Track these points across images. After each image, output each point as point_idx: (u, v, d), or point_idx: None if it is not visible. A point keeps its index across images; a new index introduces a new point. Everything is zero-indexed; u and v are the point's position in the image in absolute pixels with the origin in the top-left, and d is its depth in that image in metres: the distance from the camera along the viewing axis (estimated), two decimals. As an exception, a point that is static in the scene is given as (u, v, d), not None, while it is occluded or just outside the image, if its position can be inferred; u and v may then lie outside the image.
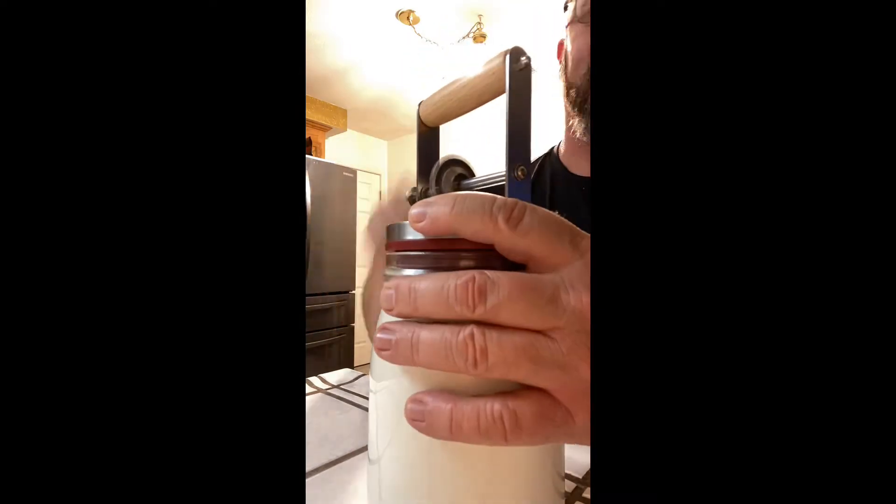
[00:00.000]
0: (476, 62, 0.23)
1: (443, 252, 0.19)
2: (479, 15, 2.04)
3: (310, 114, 2.84)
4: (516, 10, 2.01)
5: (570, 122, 0.58)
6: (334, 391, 0.48)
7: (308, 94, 2.85)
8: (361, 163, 3.54)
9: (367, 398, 0.45)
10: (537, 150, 0.64)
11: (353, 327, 2.55)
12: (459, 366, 0.16)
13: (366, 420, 0.40)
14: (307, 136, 2.82)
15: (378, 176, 3.75)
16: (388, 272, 0.21)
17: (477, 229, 0.17)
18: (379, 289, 0.19)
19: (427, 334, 0.17)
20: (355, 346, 2.62)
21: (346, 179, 2.52)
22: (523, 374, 0.16)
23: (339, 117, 3.08)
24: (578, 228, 0.18)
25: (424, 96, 0.28)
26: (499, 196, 0.18)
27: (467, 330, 0.16)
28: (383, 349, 0.18)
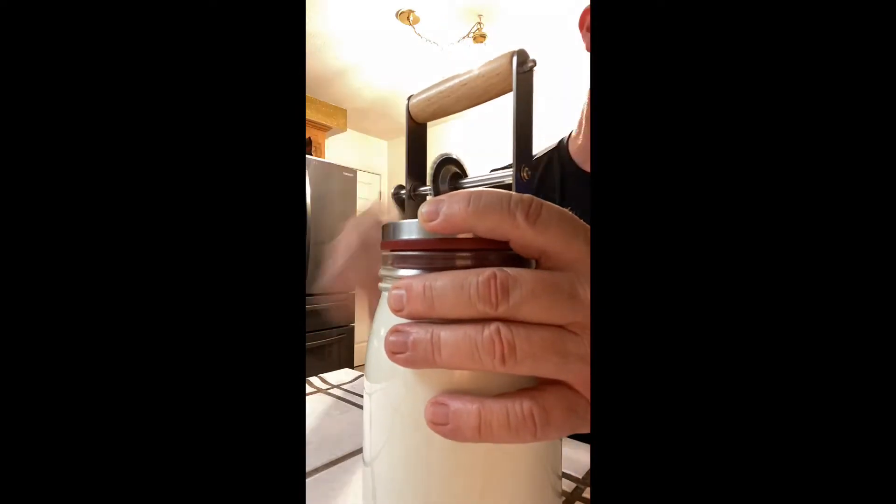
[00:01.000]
0: (476, 62, 0.23)
1: (440, 252, 0.18)
2: (479, 15, 2.04)
3: (310, 114, 2.84)
4: (516, 10, 2.01)
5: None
6: (334, 391, 0.48)
7: (308, 94, 2.85)
8: (361, 163, 3.54)
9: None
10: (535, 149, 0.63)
11: (352, 327, 2.55)
12: (486, 363, 0.16)
13: (366, 420, 0.39)
14: (307, 136, 2.81)
15: (378, 176, 3.75)
16: (384, 272, 0.20)
17: (494, 226, 0.17)
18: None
19: (448, 334, 0.16)
20: (355, 346, 2.62)
21: (346, 179, 2.52)
22: (551, 369, 0.16)
23: (339, 117, 3.08)
24: (583, 222, 0.18)
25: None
26: (513, 192, 0.17)
27: (493, 327, 0.16)
28: (398, 352, 0.17)
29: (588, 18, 0.52)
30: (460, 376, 0.18)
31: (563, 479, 0.30)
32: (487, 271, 0.16)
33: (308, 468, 0.31)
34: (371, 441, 0.20)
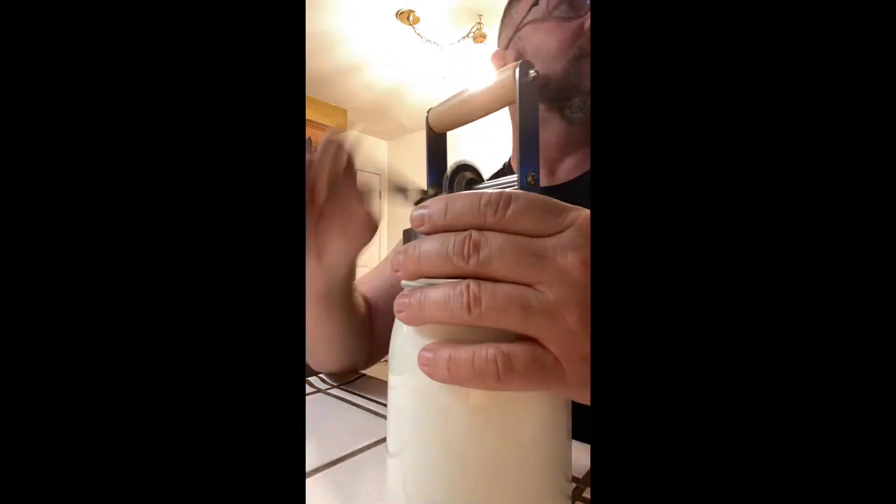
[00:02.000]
0: (476, 62, 0.23)
1: None
2: (479, 15, 2.04)
3: (310, 114, 2.84)
4: (516, 10, 2.00)
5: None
6: (334, 391, 0.48)
7: (308, 94, 2.85)
8: (361, 162, 3.54)
9: (367, 398, 0.45)
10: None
11: (353, 327, 2.53)
12: (456, 314, 0.18)
13: (365, 420, 0.40)
14: (307, 136, 2.81)
15: (378, 176, 3.75)
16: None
17: (469, 226, 0.19)
18: None
19: (432, 292, 0.19)
20: (355, 346, 2.60)
21: (345, 179, 2.51)
22: (514, 322, 0.18)
23: (339, 117, 3.08)
24: (563, 203, 0.20)
25: (425, 96, 0.29)
26: (484, 191, 0.19)
27: (464, 283, 0.18)
28: (400, 311, 0.20)
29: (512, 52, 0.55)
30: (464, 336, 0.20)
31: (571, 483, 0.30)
32: (465, 232, 0.19)
33: (308, 468, 0.31)
34: (398, 431, 0.22)
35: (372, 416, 0.40)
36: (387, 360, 0.24)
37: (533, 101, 0.21)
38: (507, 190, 0.19)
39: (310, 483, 0.29)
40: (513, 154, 0.56)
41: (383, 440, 0.33)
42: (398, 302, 0.20)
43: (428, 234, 0.20)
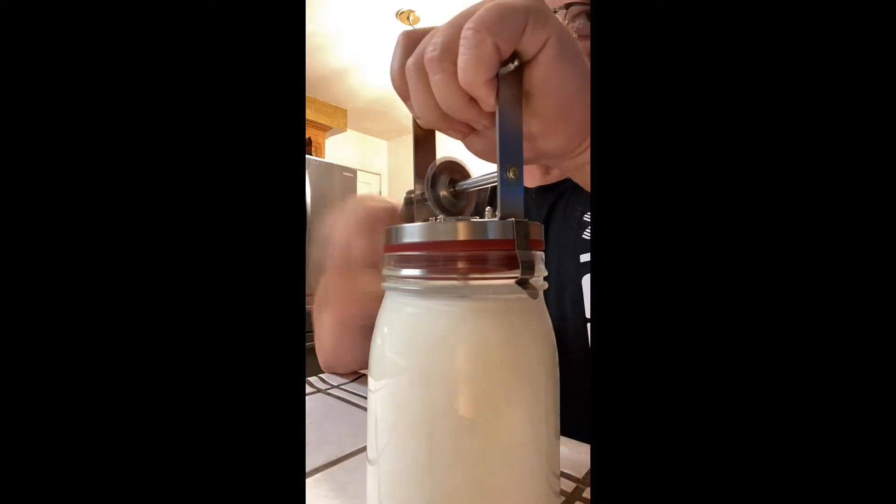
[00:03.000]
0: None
1: (439, 254, 0.19)
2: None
3: (310, 114, 2.84)
4: (516, 10, 2.00)
5: None
6: (334, 391, 0.48)
7: (308, 94, 2.84)
8: (361, 163, 3.54)
9: (367, 398, 0.45)
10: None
11: (352, 327, 2.53)
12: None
13: (365, 420, 0.39)
14: (307, 136, 2.81)
15: (378, 176, 3.75)
16: (387, 272, 0.21)
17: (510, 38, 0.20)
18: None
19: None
20: (355, 346, 2.60)
21: (346, 179, 2.52)
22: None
23: (339, 117, 3.08)
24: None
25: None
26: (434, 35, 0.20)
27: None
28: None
29: None
30: (464, 374, 0.19)
31: (564, 479, 0.30)
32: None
33: (308, 468, 0.31)
34: (376, 438, 0.21)
35: (372, 416, 0.40)
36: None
37: (514, 92, 0.21)
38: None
39: (310, 483, 0.29)
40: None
41: (383, 440, 0.33)
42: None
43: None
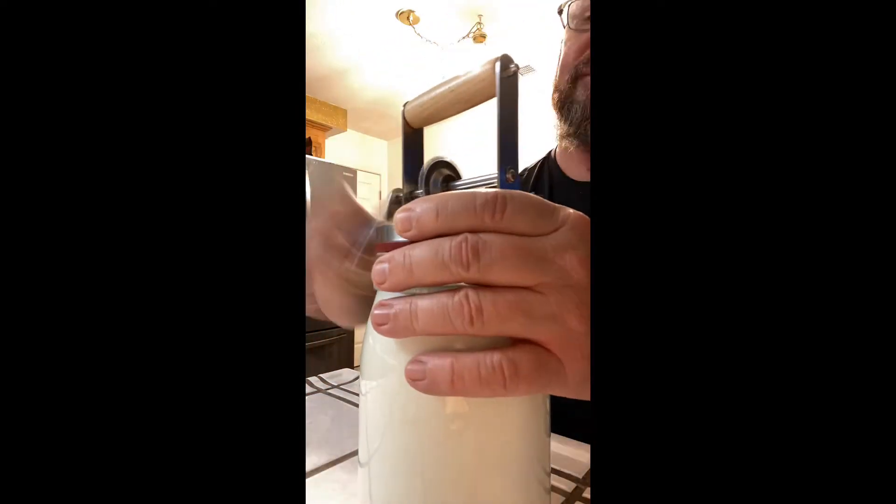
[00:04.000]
0: (476, 63, 0.23)
1: None
2: (479, 15, 2.04)
3: (310, 114, 2.84)
4: (516, 11, 2.01)
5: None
6: (334, 391, 0.48)
7: (308, 94, 2.85)
8: (361, 163, 3.54)
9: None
10: (531, 154, 0.64)
11: (353, 327, 2.54)
12: (457, 325, 0.17)
13: (366, 420, 0.39)
14: (307, 136, 2.82)
15: (378, 176, 3.75)
16: None
17: (465, 229, 0.18)
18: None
19: (424, 301, 0.18)
20: (355, 346, 2.61)
21: (345, 179, 2.51)
22: (517, 328, 0.17)
23: (339, 117, 3.08)
24: (551, 202, 0.19)
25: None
26: (476, 191, 0.18)
27: (462, 291, 0.17)
28: (382, 324, 0.18)
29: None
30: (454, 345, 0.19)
31: (563, 479, 0.30)
32: (459, 237, 0.17)
33: (308, 468, 0.31)
34: (367, 440, 0.21)
35: (372, 416, 0.40)
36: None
37: (513, 96, 0.21)
38: (499, 190, 0.18)
39: (310, 483, 0.29)
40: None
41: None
42: (378, 314, 0.19)
43: (415, 239, 0.18)
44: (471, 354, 0.17)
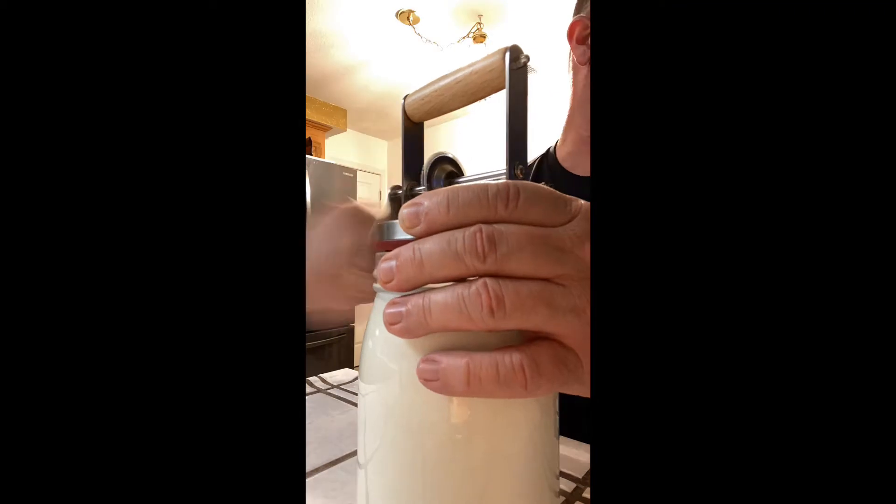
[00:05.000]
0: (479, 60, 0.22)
1: None
2: (480, 15, 2.04)
3: (310, 114, 2.84)
4: (516, 11, 2.01)
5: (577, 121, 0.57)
6: (334, 391, 0.48)
7: (308, 94, 2.85)
8: (361, 163, 3.54)
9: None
10: (530, 152, 0.64)
11: (352, 327, 2.54)
12: (475, 318, 0.16)
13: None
14: (307, 136, 2.81)
15: (378, 176, 3.75)
16: (378, 273, 0.20)
17: (475, 221, 0.17)
18: None
19: (439, 295, 0.16)
20: (355, 346, 2.61)
21: (345, 179, 2.52)
22: (540, 321, 0.16)
23: (339, 117, 3.08)
24: (562, 193, 0.19)
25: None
26: (487, 182, 0.18)
27: (480, 281, 0.16)
28: (394, 322, 0.17)
29: (578, 30, 0.51)
30: (459, 343, 0.18)
31: (563, 479, 0.30)
32: (473, 227, 0.16)
33: (308, 468, 0.31)
34: (365, 443, 0.20)
35: (372, 416, 0.40)
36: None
37: (523, 88, 0.20)
38: (510, 180, 0.18)
39: (310, 483, 0.29)
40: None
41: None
42: (390, 312, 0.17)
43: (424, 234, 0.17)
44: (488, 354, 0.16)
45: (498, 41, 2.21)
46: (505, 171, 0.21)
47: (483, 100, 0.24)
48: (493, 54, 0.21)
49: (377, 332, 0.20)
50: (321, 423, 0.39)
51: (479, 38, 2.16)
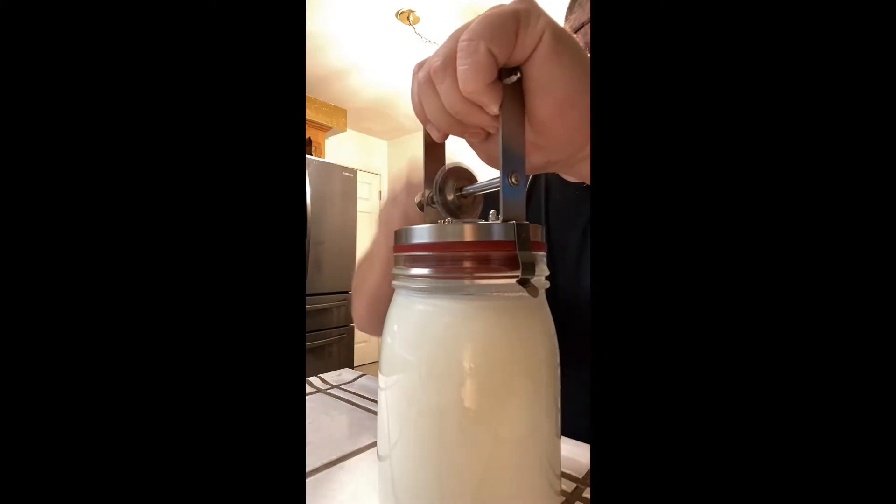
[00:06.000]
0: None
1: (447, 254, 0.20)
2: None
3: (310, 114, 2.83)
4: (516, 11, 2.00)
5: None
6: (334, 391, 0.48)
7: (308, 94, 2.84)
8: (361, 163, 3.54)
9: (366, 398, 0.45)
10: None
11: (352, 327, 2.54)
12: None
13: (365, 420, 0.40)
14: (307, 136, 2.82)
15: (378, 176, 3.75)
16: (397, 272, 0.22)
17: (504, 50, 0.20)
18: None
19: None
20: (355, 346, 2.61)
21: (345, 179, 2.52)
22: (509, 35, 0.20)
23: (339, 117, 3.08)
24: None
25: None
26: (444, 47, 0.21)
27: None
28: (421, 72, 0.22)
29: (577, 38, 0.53)
30: (470, 367, 0.20)
31: (564, 479, 0.30)
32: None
33: (308, 468, 0.31)
34: (388, 434, 0.22)
35: (372, 416, 0.40)
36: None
37: (516, 103, 0.22)
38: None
39: (310, 483, 0.29)
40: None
41: (383, 440, 0.33)
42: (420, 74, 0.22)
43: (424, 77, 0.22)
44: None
45: (498, 41, 2.20)
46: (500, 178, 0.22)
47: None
48: None
49: (396, 328, 0.22)
50: (321, 423, 0.39)
51: (479, 38, 2.16)
